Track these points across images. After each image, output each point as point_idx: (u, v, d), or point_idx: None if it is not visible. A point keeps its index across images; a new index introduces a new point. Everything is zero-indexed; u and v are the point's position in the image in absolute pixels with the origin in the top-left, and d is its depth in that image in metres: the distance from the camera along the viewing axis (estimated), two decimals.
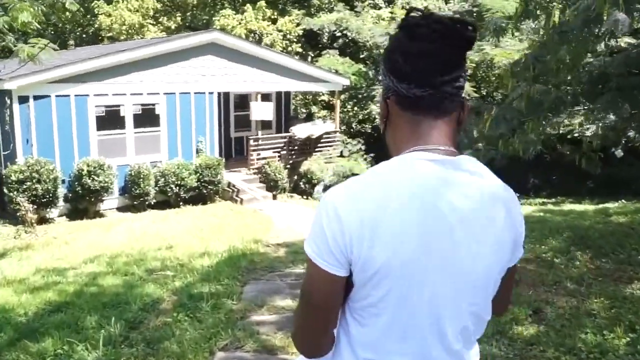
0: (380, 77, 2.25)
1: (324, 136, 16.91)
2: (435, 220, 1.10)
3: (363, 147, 16.46)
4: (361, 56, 19.44)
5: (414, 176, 1.12)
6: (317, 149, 16.71)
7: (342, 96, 18.27)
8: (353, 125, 20.06)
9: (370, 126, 20.11)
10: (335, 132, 17.33)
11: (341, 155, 16.61)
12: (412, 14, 1.19)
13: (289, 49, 20.57)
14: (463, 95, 1.21)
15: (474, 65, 14.20)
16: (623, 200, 12.69)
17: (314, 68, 16.17)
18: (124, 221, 10.79)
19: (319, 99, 21.08)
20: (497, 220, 1.17)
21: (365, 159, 16.13)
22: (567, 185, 16.00)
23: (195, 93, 13.40)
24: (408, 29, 1.17)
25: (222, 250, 7.50)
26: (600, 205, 12.60)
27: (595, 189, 15.82)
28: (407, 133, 1.19)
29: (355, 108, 20.05)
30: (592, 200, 14.15)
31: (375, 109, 18.97)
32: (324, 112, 20.87)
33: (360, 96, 18.63)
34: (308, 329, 1.23)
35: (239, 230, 9.40)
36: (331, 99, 21.05)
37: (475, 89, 13.84)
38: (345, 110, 19.92)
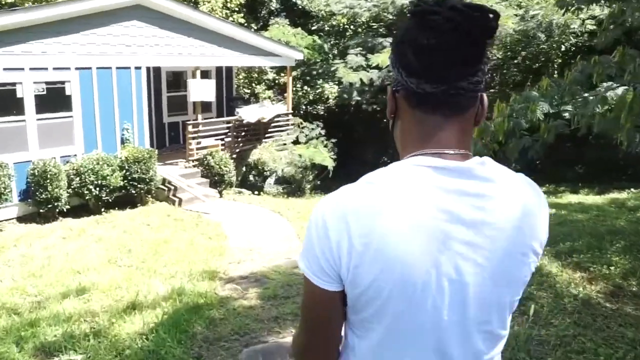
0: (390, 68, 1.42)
1: (275, 120, 14.47)
2: (433, 236, 0.98)
3: (323, 132, 14.13)
4: (312, 28, 16.97)
5: (411, 188, 0.99)
6: (267, 135, 14.26)
7: (294, 73, 15.82)
8: (303, 107, 17.66)
9: (323, 107, 17.79)
10: (287, 114, 14.90)
11: (297, 142, 14.23)
12: (426, 4, 1.00)
13: (230, 19, 17.86)
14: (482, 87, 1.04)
15: None
16: (632, 189, 11.12)
17: (264, 39, 13.60)
18: (22, 240, 7.99)
19: (264, 77, 18.55)
20: (514, 231, 1.02)
21: (326, 146, 13.82)
22: (553, 171, 14.30)
23: (117, 68, 10.57)
24: (420, 16, 1.01)
25: (161, 296, 5.04)
26: (608, 196, 10.93)
27: (585, 175, 14.25)
28: (414, 133, 1.06)
29: (306, 87, 17.65)
30: (591, 188, 12.48)
31: (328, 87, 16.71)
32: (269, 93, 18.37)
33: (315, 73, 16.22)
34: (311, 346, 1.14)
35: (182, 253, 6.90)
36: (277, 77, 18.56)
37: None
38: (294, 89, 17.48)
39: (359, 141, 16.47)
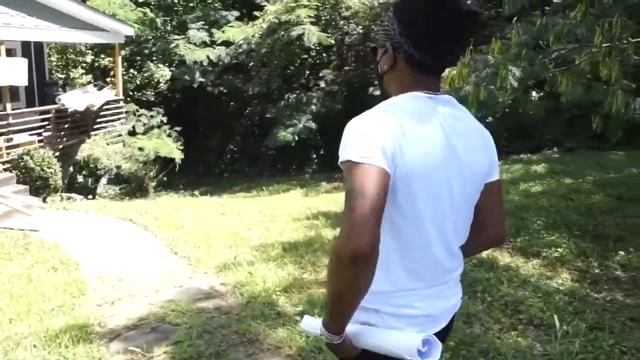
0: (386, 27, 1.41)
1: (104, 108, 12.12)
2: (444, 138, 1.39)
3: (165, 120, 12.11)
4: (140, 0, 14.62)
5: (424, 106, 1.40)
6: (97, 127, 11.88)
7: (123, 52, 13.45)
8: (130, 94, 15.30)
9: (153, 93, 15.58)
10: (118, 101, 12.60)
11: (134, 133, 12.03)
12: None
13: None
14: None
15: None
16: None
17: (87, 9, 11.12)
18: None
19: (81, 60, 15.75)
20: (482, 140, 1.53)
21: (169, 136, 11.83)
22: None
23: None
24: (436, 5, 1.34)
25: None
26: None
27: None
28: (411, 84, 1.43)
29: (132, 71, 15.27)
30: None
31: (158, 70, 14.62)
32: (87, 78, 15.65)
33: (147, 52, 13.99)
34: (366, 226, 1.24)
35: (18, 299, 4.77)
36: (98, 59, 15.89)
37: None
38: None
39: (203, 128, 14.68)
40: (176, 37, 12.53)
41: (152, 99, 15.35)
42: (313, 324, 1.55)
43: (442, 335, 1.49)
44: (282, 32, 10.72)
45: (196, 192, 12.58)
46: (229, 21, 12.91)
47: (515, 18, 5.59)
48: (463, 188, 1.44)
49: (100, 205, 9.78)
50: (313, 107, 12.41)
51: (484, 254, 5.42)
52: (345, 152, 1.30)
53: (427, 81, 1.43)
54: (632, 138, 13.14)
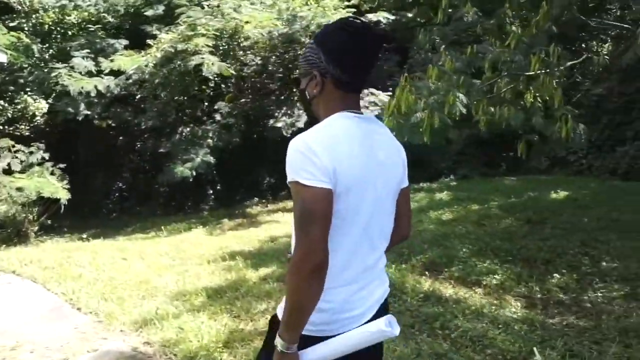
0: (309, 57, 1.74)
1: None
2: (371, 152, 1.68)
3: (47, 156, 10.91)
4: (11, 24, 13.25)
5: (354, 125, 1.67)
6: None
7: None
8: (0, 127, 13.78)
9: (28, 127, 14.15)
10: None
11: (9, 171, 10.69)
12: (354, 20, 1.69)
13: None
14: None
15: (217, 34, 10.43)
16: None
17: None
18: None
19: None
20: (399, 157, 1.84)
21: (53, 174, 10.65)
22: None
23: None
24: (357, 35, 1.66)
25: None
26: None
27: None
28: (339, 103, 1.71)
29: (1, 102, 13.77)
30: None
31: (32, 101, 13.30)
32: None
33: (22, 82, 12.66)
34: (319, 244, 1.52)
35: None
36: None
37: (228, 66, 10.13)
38: None
39: (87, 165, 13.48)
40: (58, 65, 11.40)
41: (27, 133, 13.91)
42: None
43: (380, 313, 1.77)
44: (179, 62, 10.10)
45: (84, 235, 11.43)
46: (116, 50, 12.04)
47: (443, 47, 5.59)
48: (387, 193, 1.74)
49: None
50: (209, 140, 11.81)
51: (425, 285, 5.28)
52: (293, 173, 1.55)
53: (352, 100, 1.72)
54: (517, 165, 14.00)
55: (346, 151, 1.59)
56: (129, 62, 10.41)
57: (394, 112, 4.44)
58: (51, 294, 6.11)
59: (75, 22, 14.66)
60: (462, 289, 5.28)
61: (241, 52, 10.74)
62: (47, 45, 13.60)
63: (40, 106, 13.76)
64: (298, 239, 1.54)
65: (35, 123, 14.19)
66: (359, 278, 1.71)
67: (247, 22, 10.47)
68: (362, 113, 1.73)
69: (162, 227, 10.67)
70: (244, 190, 13.82)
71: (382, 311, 1.78)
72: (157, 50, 10.45)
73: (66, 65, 11.28)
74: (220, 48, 10.48)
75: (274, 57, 11.02)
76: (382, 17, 11.47)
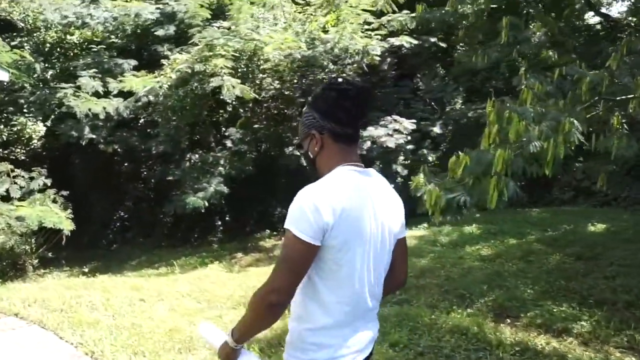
0: (305, 121, 2.01)
1: None
2: (371, 205, 1.87)
3: (49, 183, 10.10)
4: (13, 43, 12.50)
5: (354, 180, 1.87)
6: None
7: None
8: None
9: (24, 150, 13.33)
10: None
11: (7, 199, 9.84)
12: (338, 80, 2.00)
13: None
14: None
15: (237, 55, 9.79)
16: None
17: None
18: None
19: None
20: (398, 208, 2.03)
21: (55, 201, 9.82)
22: None
23: None
24: (341, 91, 1.91)
25: None
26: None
27: None
28: (339, 156, 1.92)
29: None
30: None
31: (29, 123, 12.55)
32: None
33: (23, 102, 11.89)
34: (287, 289, 1.77)
35: None
36: None
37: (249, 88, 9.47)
38: None
39: (87, 193, 12.62)
40: (63, 85, 10.64)
41: (23, 157, 13.09)
42: (212, 333, 2.13)
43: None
44: (196, 84, 9.43)
45: (85, 269, 10.58)
46: (124, 70, 11.33)
47: (523, 69, 5.00)
48: (384, 244, 1.94)
49: None
50: (220, 168, 11.08)
51: (508, 334, 4.64)
52: (291, 222, 1.79)
53: (350, 152, 1.95)
54: (539, 195, 13.45)
55: (347, 206, 1.78)
56: (140, 83, 9.71)
57: (495, 140, 3.78)
58: (66, 344, 5.29)
59: (77, 42, 13.99)
60: (551, 339, 4.66)
61: (260, 75, 10.07)
62: (48, 65, 12.87)
63: (37, 129, 12.98)
64: (273, 275, 1.78)
65: (32, 147, 13.40)
66: (357, 321, 1.92)
67: (266, 44, 9.83)
68: (362, 165, 1.95)
69: (174, 262, 9.84)
70: (253, 221, 13.03)
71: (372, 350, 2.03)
72: (171, 71, 9.75)
73: (72, 85, 10.51)
74: (239, 70, 9.80)
75: (293, 80, 10.37)
76: (405, 41, 10.92)
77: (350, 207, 1.79)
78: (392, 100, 13.85)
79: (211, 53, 9.49)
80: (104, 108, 9.97)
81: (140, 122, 12.28)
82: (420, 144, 11.81)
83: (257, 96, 9.57)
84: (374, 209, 1.88)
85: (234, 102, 10.13)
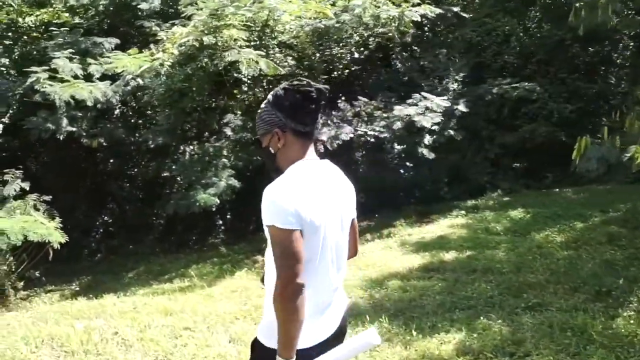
0: (266, 118, 2.20)
1: None
2: (329, 192, 2.10)
3: (27, 187, 8.32)
4: None
5: (314, 171, 2.10)
6: None
7: None
8: None
9: None
10: None
11: None
12: (301, 82, 2.11)
13: None
14: None
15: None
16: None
17: None
18: None
19: None
20: (350, 192, 2.27)
21: (37, 208, 8.05)
22: None
23: None
24: (305, 93, 2.07)
25: None
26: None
27: (365, 205, 11.94)
28: (298, 151, 2.12)
29: None
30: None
31: None
32: None
33: None
34: (298, 276, 1.91)
35: None
36: None
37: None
38: None
39: (64, 195, 10.76)
40: (35, 69, 8.81)
41: None
42: None
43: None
44: (206, 60, 7.87)
45: (74, 286, 8.91)
46: (103, 51, 9.61)
47: None
48: (344, 224, 2.18)
49: None
50: (224, 160, 9.56)
51: None
52: (270, 219, 1.95)
53: (308, 147, 2.14)
54: (564, 175, 12.56)
55: (309, 196, 1.99)
56: (134, 62, 8.05)
57: None
58: None
59: (34, 25, 12.06)
60: None
61: (277, 49, 8.60)
62: (3, 50, 10.93)
63: None
64: (280, 271, 1.93)
65: None
66: (325, 307, 2.14)
67: (283, 12, 8.38)
68: (317, 157, 2.18)
69: (188, 272, 8.29)
70: (255, 218, 11.54)
71: (344, 320, 2.28)
72: (172, 46, 8.15)
73: (45, 68, 8.73)
74: (252, 43, 8.31)
75: (315, 55, 8.95)
76: (429, 10, 9.63)
77: (312, 195, 2.00)
78: (398, 79, 12.65)
79: (221, 23, 7.94)
80: (91, 92, 8.25)
81: (122, 110, 10.58)
82: (445, 124, 10.60)
83: (282, 70, 8.07)
84: (335, 192, 2.14)
85: (248, 81, 8.60)
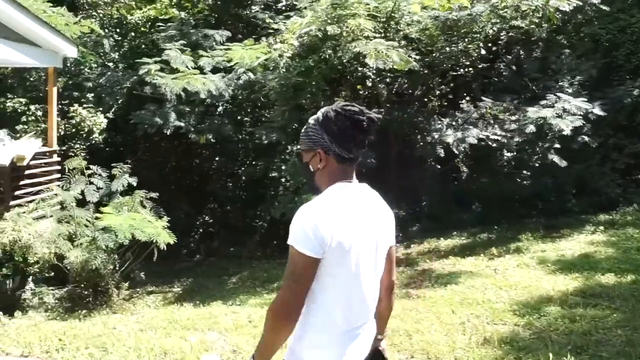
0: (312, 136, 2.04)
1: (31, 164, 7.91)
2: (366, 219, 1.96)
3: (134, 182, 7.97)
4: (78, 16, 10.40)
5: (351, 195, 1.96)
6: (19, 193, 7.59)
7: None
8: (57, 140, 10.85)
9: (84, 146, 11.21)
10: (51, 153, 8.41)
11: (82, 203, 7.74)
12: (352, 107, 1.96)
13: None
14: None
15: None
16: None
17: (17, 9, 6.92)
18: None
19: None
20: (389, 219, 2.11)
21: (144, 206, 7.67)
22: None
23: None
24: (357, 123, 1.92)
25: None
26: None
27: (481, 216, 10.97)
28: (339, 175, 1.99)
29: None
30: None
31: (88, 115, 10.42)
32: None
33: (90, 85, 9.79)
34: (296, 300, 1.86)
35: None
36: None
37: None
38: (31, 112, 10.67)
39: (164, 194, 10.47)
40: (146, 60, 8.48)
41: (83, 153, 11.00)
42: None
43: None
44: (329, 51, 7.20)
45: (177, 288, 8.47)
46: (213, 44, 9.19)
47: None
48: (379, 251, 2.03)
49: (42, 333, 5.39)
50: None
51: None
52: (294, 239, 1.84)
53: (350, 171, 2.01)
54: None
55: (340, 221, 1.87)
56: (250, 54, 7.49)
57: None
58: None
59: (140, 22, 11.92)
60: None
61: (404, 42, 7.81)
62: (115, 43, 10.77)
63: (98, 121, 10.91)
64: (284, 289, 1.88)
65: (92, 141, 11.30)
66: (359, 321, 2.02)
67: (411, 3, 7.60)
68: (356, 180, 2.04)
69: None
70: None
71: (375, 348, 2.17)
72: (292, 36, 7.54)
73: (157, 59, 8.37)
74: (377, 35, 7.57)
75: (444, 49, 8.09)
76: (566, 2, 8.52)
77: (348, 220, 1.90)
78: (517, 79, 11.56)
79: (346, 12, 7.26)
80: (204, 84, 7.78)
81: (227, 107, 10.12)
82: (577, 129, 9.45)
83: (416, 66, 7.28)
84: (371, 218, 2.00)
85: (372, 76, 7.87)
